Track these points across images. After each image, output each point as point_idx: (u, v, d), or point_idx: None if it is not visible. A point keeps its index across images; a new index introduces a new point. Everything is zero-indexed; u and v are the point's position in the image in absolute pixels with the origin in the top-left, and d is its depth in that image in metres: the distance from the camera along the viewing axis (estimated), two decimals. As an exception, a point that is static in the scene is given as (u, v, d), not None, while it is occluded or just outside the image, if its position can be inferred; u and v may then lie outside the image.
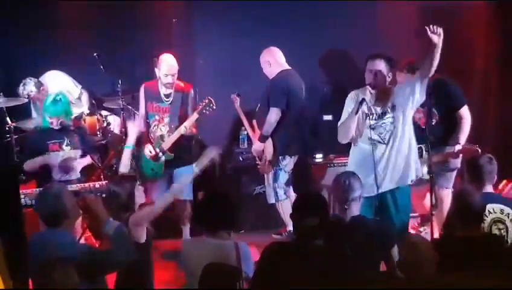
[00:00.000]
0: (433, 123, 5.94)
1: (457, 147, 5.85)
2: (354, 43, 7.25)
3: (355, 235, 4.37)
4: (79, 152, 6.16)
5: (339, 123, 5.38)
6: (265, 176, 6.54)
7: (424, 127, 5.83)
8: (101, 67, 7.46)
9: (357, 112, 5.15)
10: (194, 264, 4.13)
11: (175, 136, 6.24)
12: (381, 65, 5.21)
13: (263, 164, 6.46)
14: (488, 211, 4.67)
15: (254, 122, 6.71)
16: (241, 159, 7.10)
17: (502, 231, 4.69)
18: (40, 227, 5.36)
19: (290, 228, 6.45)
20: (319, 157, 7.02)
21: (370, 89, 5.20)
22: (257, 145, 6.46)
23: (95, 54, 7.43)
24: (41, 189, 4.90)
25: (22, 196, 5.25)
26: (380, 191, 5.20)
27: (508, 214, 4.70)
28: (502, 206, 4.72)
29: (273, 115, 6.30)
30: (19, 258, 3.68)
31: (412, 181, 5.35)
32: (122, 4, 7.39)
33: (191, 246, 4.39)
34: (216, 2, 7.20)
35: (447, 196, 6.01)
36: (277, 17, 7.25)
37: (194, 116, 6.22)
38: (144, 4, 7.44)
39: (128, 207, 4.63)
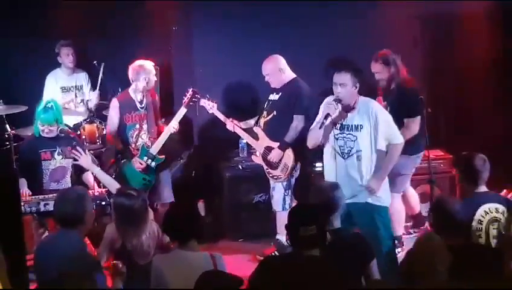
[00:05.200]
0: None
1: None
2: (352, 51, 7.28)
3: (337, 248, 4.29)
4: (70, 161, 6.12)
5: (310, 128, 5.47)
6: (276, 183, 6.40)
7: None
8: (101, 75, 7.47)
9: (321, 126, 5.24)
10: (168, 279, 4.12)
11: (164, 137, 6.28)
12: (346, 77, 5.23)
13: (284, 172, 6.31)
14: (485, 211, 4.68)
15: (257, 129, 6.52)
16: (240, 167, 7.06)
17: (496, 230, 4.67)
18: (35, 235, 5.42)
19: (279, 237, 6.46)
20: (319, 166, 7.00)
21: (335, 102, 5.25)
22: (276, 154, 6.29)
23: (94, 62, 7.46)
24: (64, 189, 5.11)
25: (21, 203, 5.24)
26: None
27: (503, 211, 4.70)
28: (497, 205, 4.72)
29: (301, 123, 6.22)
30: (18, 264, 3.68)
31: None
32: (122, 12, 7.40)
33: (164, 260, 4.27)
34: (216, 10, 7.21)
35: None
36: (277, 26, 7.25)
37: (182, 110, 6.32)
38: (144, 12, 7.45)
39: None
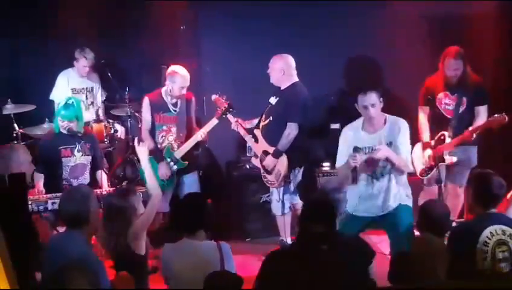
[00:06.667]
0: (459, 111, 6.25)
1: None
2: (360, 50, 7.28)
3: (338, 251, 4.16)
4: (89, 158, 6.14)
5: (337, 165, 5.53)
6: (273, 189, 6.40)
7: (449, 117, 6.24)
8: (108, 74, 7.49)
9: (353, 181, 5.31)
10: (177, 268, 4.20)
11: (190, 143, 6.27)
12: (373, 97, 5.31)
13: (276, 178, 6.28)
14: (491, 233, 4.35)
15: (257, 132, 6.46)
16: (247, 167, 7.05)
17: (506, 253, 4.36)
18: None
19: (283, 238, 6.47)
20: (326, 165, 6.99)
21: (363, 126, 5.38)
22: (270, 161, 6.26)
23: (102, 61, 7.46)
24: (68, 189, 5.14)
25: (29, 202, 5.24)
26: (383, 212, 5.41)
27: (511, 234, 4.38)
28: (503, 227, 4.39)
29: (293, 131, 6.17)
30: (26, 262, 3.68)
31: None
32: (129, 11, 7.40)
33: (172, 249, 4.33)
34: (223, 9, 7.21)
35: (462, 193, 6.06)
36: (285, 25, 7.25)
37: (213, 121, 6.29)
38: (151, 11, 7.46)
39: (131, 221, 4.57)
